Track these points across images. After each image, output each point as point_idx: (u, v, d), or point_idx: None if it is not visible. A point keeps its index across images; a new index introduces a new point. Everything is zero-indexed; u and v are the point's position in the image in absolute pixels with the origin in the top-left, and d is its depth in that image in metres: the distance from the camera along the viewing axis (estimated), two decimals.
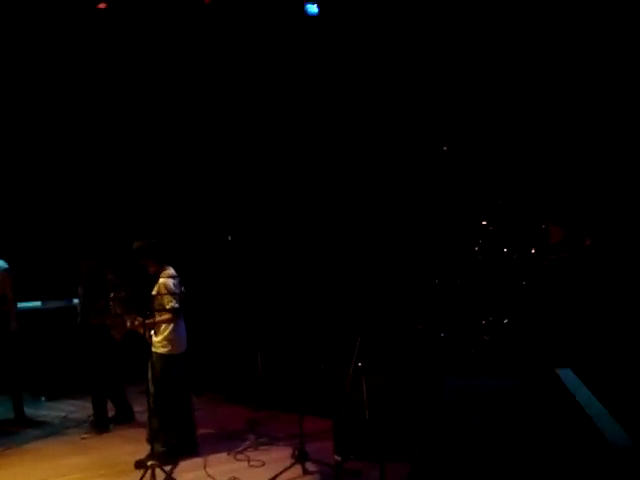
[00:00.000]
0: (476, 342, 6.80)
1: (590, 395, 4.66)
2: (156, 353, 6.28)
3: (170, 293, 6.21)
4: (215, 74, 9.40)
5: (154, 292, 6.29)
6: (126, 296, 6.56)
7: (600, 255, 6.36)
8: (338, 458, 6.02)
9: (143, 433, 6.47)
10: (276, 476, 5.79)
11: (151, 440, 6.05)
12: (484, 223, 7.67)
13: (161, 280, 6.30)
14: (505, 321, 7.08)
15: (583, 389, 4.70)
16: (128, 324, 6.32)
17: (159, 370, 6.27)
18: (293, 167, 9.07)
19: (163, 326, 6.28)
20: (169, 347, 6.31)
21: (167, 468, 5.85)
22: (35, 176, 9.50)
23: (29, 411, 7.97)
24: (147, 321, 6.09)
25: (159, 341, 6.29)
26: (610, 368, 5.51)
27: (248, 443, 6.82)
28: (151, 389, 6.20)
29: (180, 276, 6.45)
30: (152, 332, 6.18)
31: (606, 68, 7.00)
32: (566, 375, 4.53)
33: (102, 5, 8.35)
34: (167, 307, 6.18)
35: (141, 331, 6.25)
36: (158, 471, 5.57)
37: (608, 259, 6.36)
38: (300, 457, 6.01)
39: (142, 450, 6.22)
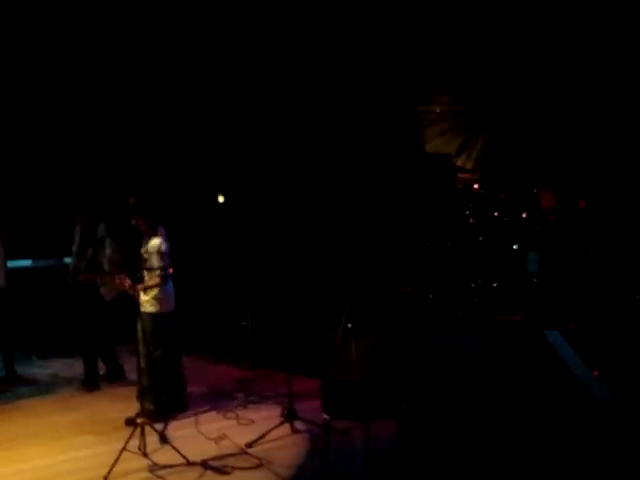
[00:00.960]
0: (465, 304, 6.85)
1: (576, 357, 4.72)
2: (145, 312, 6.29)
3: (160, 252, 6.20)
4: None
5: (144, 250, 6.28)
6: (119, 257, 6.57)
7: (593, 217, 6.39)
8: (326, 417, 6.07)
9: (133, 391, 6.49)
10: (265, 434, 5.86)
11: (141, 398, 6.09)
12: (475, 187, 7.67)
13: (152, 240, 6.29)
14: (494, 284, 7.13)
15: (569, 350, 4.75)
16: (117, 282, 6.31)
17: (148, 329, 6.29)
18: (289, 134, 9.04)
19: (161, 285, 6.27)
20: (158, 306, 6.32)
21: (157, 426, 5.90)
22: (27, 133, 9.40)
23: (20, 369, 7.99)
24: (139, 285, 6.09)
25: (147, 300, 6.29)
26: (597, 331, 5.58)
27: (237, 402, 6.88)
28: (141, 348, 6.22)
29: (171, 236, 6.43)
30: (141, 293, 6.18)
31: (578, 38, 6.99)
32: (553, 337, 4.58)
33: None
34: (155, 266, 6.16)
35: (130, 292, 6.25)
36: (148, 428, 5.61)
37: (601, 221, 6.39)
38: (289, 416, 6.07)
39: (132, 408, 6.23)
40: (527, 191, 7.51)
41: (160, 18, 9.14)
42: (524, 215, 7.44)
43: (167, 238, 6.37)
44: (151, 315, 6.30)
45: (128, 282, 6.22)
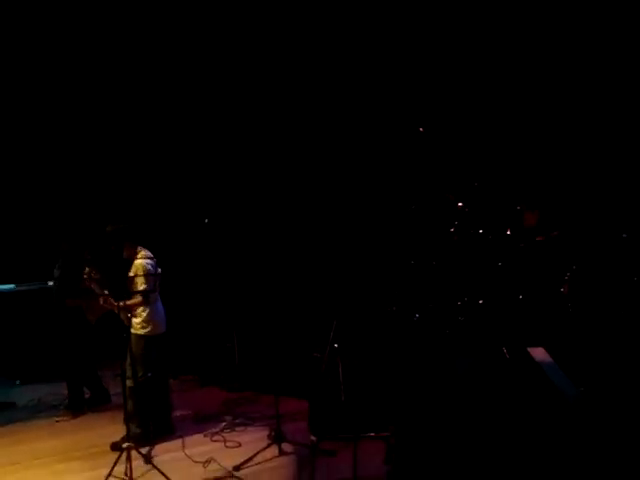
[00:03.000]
0: (451, 323, 6.84)
1: (562, 374, 4.73)
2: (135, 334, 6.25)
3: (146, 274, 6.17)
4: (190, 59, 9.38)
5: (131, 273, 6.25)
6: (100, 275, 6.52)
7: (568, 243, 6.43)
8: (313, 438, 6.04)
9: (119, 415, 6.44)
10: (252, 457, 5.81)
11: (127, 421, 6.03)
12: (460, 204, 7.69)
13: (137, 261, 6.26)
14: (480, 302, 7.13)
15: (555, 368, 4.76)
16: (101, 302, 6.28)
17: (137, 351, 6.24)
18: (269, 152, 9.06)
19: (141, 308, 6.25)
20: (148, 328, 6.29)
21: (143, 450, 5.84)
22: (10, 159, 9.38)
23: (3, 395, 7.91)
24: (120, 303, 6.06)
25: (138, 322, 6.26)
26: (582, 348, 5.59)
27: (224, 424, 6.82)
28: (128, 371, 6.18)
29: (157, 258, 6.41)
30: (129, 315, 6.15)
31: (578, 55, 7.06)
32: (538, 354, 4.59)
33: None
34: (139, 289, 6.14)
35: (115, 310, 6.21)
36: (134, 453, 5.56)
37: (577, 246, 6.43)
38: (276, 438, 6.03)
39: (118, 432, 6.19)
40: (511, 208, 7.55)
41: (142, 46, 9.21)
42: (508, 232, 7.47)
43: (153, 259, 6.35)
44: (141, 337, 6.27)
45: (112, 302, 6.19)
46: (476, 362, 5.03)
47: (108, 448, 6.13)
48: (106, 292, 6.26)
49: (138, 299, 6.19)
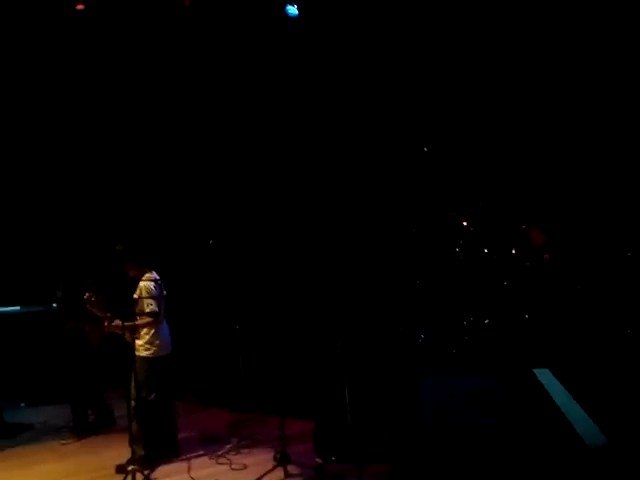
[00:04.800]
0: (457, 342, 6.81)
1: (567, 395, 4.69)
2: (139, 356, 6.25)
3: (151, 296, 6.17)
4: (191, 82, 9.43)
5: (136, 295, 6.25)
6: (101, 298, 6.53)
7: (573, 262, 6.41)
8: (319, 461, 6.01)
9: (124, 437, 6.39)
10: (258, 479, 5.78)
11: (132, 443, 6.01)
12: (465, 224, 7.69)
13: (142, 283, 6.27)
14: (486, 321, 7.10)
15: (560, 389, 4.73)
16: (105, 324, 6.28)
17: (143, 373, 6.23)
18: (272, 171, 9.08)
19: (145, 329, 6.25)
20: (152, 350, 6.28)
21: (148, 472, 5.81)
22: (13, 180, 9.41)
23: (8, 417, 7.88)
24: (126, 323, 6.06)
25: (142, 344, 6.25)
26: (587, 369, 5.56)
27: (230, 446, 6.79)
28: (133, 393, 6.17)
29: (162, 279, 6.42)
30: (135, 335, 6.15)
31: (587, 75, 7.07)
32: (543, 375, 4.56)
33: (80, 6, 8.31)
34: (146, 310, 6.15)
35: (120, 332, 6.21)
36: (139, 475, 5.53)
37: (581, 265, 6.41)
38: (282, 460, 5.99)
39: (123, 455, 6.16)
40: (516, 227, 7.54)
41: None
42: (514, 251, 7.45)
43: (159, 281, 6.35)
44: (145, 359, 6.25)
45: (117, 322, 6.19)
46: (481, 384, 5.00)
47: (113, 471, 6.10)
48: (109, 314, 6.27)
49: (144, 320, 6.19)
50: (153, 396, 6.26)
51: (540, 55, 7.33)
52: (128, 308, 6.29)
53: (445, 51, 7.93)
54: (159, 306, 6.24)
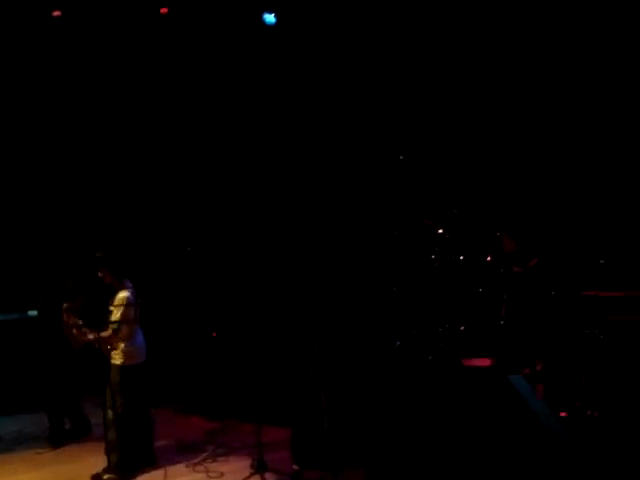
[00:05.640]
0: (432, 349, 6.86)
1: (541, 402, 4.76)
2: (115, 365, 6.23)
3: (127, 304, 6.15)
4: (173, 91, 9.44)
5: (113, 304, 6.23)
6: (80, 303, 6.52)
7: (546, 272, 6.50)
8: (296, 467, 6.03)
9: (100, 446, 6.37)
10: None
11: (108, 452, 5.99)
12: (440, 231, 7.75)
13: (120, 293, 6.24)
14: (462, 328, 7.17)
15: (534, 396, 4.79)
16: (75, 333, 6.27)
17: (118, 382, 6.22)
18: (246, 178, 9.11)
19: (120, 338, 6.22)
20: (127, 358, 6.26)
21: None
22: None
23: None
24: (101, 334, 6.06)
25: (116, 352, 6.24)
26: (564, 371, 5.64)
27: (206, 454, 6.79)
28: (109, 401, 6.15)
29: (137, 287, 6.40)
30: (107, 346, 6.14)
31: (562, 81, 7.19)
32: (518, 382, 4.62)
33: (57, 13, 8.29)
34: (117, 319, 6.12)
35: (96, 344, 6.20)
36: None
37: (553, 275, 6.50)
38: (259, 467, 6.02)
39: (99, 464, 6.15)
40: (490, 234, 7.62)
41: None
42: (489, 259, 7.52)
43: (135, 290, 6.34)
44: (120, 367, 6.23)
45: (88, 333, 6.18)
46: (455, 391, 5.05)
47: None
48: (80, 322, 6.25)
49: (108, 332, 6.16)
50: (127, 404, 6.22)
51: (502, 62, 7.46)
52: (104, 315, 6.27)
53: (417, 60, 8.03)
54: (134, 314, 6.22)
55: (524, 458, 4.46)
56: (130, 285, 6.35)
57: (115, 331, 6.11)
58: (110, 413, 6.13)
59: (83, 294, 6.92)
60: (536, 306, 6.35)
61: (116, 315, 6.14)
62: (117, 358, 6.23)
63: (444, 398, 5.15)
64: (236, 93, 9.13)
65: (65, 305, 6.43)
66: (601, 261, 6.39)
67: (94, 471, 6.13)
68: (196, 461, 6.58)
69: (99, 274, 6.33)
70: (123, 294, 6.22)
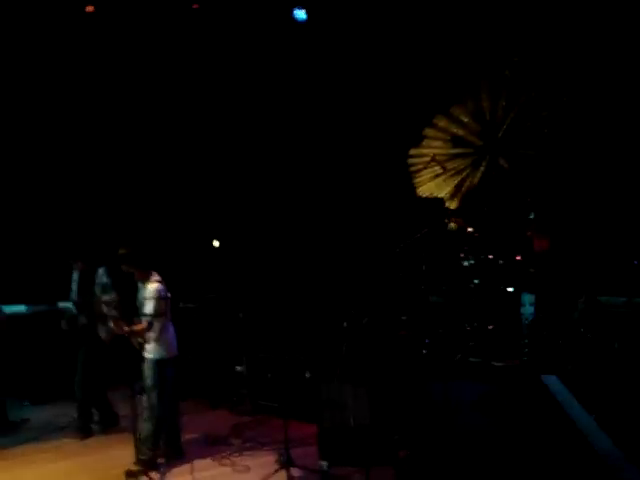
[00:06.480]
0: (461, 348, 6.83)
1: (575, 402, 4.70)
2: (147, 358, 6.26)
3: (158, 298, 6.17)
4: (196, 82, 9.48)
5: (144, 297, 6.26)
6: (115, 299, 6.58)
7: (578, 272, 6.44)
8: (323, 463, 6.02)
9: (127, 438, 6.40)
10: None
11: (138, 445, 6.01)
12: (470, 230, 7.71)
13: (149, 285, 6.27)
14: (490, 327, 7.13)
15: (568, 396, 4.73)
16: (112, 325, 6.32)
17: (149, 375, 6.24)
18: (276, 175, 9.14)
19: (152, 331, 6.24)
20: (160, 352, 6.28)
21: (152, 474, 5.83)
22: (21, 178, 9.42)
23: (12, 416, 7.89)
24: (134, 327, 6.08)
25: (149, 346, 6.25)
26: (595, 375, 5.57)
27: (233, 448, 6.80)
28: (142, 394, 6.18)
29: (166, 281, 6.42)
30: (139, 339, 6.16)
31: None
32: (551, 382, 4.57)
33: (90, 8, 8.35)
34: (150, 312, 6.15)
35: (126, 334, 6.23)
36: (145, 477, 5.54)
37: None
38: (285, 462, 6.01)
39: (126, 455, 6.18)
40: (520, 234, 7.56)
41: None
42: (518, 257, 7.47)
43: (163, 283, 6.36)
44: (153, 361, 6.26)
45: (124, 326, 6.21)
46: (487, 390, 5.01)
47: (117, 471, 6.10)
48: (117, 314, 6.30)
49: (143, 325, 6.18)
50: (159, 398, 6.24)
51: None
52: (134, 311, 6.31)
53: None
54: (165, 308, 6.24)
55: (554, 458, 4.42)
56: (159, 278, 6.36)
57: (150, 324, 6.13)
58: (144, 406, 6.17)
59: (117, 287, 6.97)
60: (567, 306, 6.29)
61: (148, 308, 6.16)
62: (150, 352, 6.26)
63: (473, 397, 5.12)
64: (264, 91, 9.17)
65: (105, 297, 6.48)
66: (635, 262, 6.31)
67: (121, 462, 6.16)
68: (223, 455, 6.60)
69: (124, 269, 6.36)
70: (153, 286, 6.23)
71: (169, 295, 6.34)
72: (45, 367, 8.74)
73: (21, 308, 8.68)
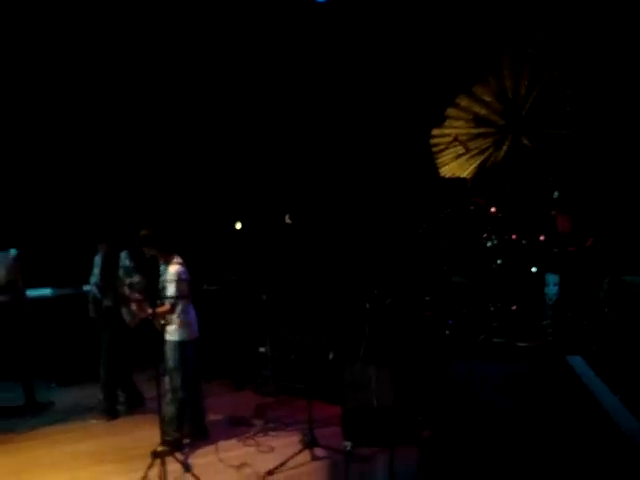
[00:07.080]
0: (485, 328, 6.80)
1: (600, 382, 4.66)
2: (169, 340, 6.30)
3: (179, 280, 6.20)
4: (217, 68, 9.48)
5: (165, 279, 6.29)
6: (140, 282, 6.62)
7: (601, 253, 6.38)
8: (347, 444, 6.04)
9: (153, 419, 6.42)
10: (285, 461, 5.83)
11: (163, 426, 6.06)
12: (493, 210, 7.65)
13: (171, 268, 6.30)
14: (513, 308, 7.09)
15: (593, 376, 4.70)
16: (135, 308, 6.37)
17: (172, 357, 6.29)
18: (299, 157, 9.13)
19: (174, 314, 6.28)
20: (182, 334, 6.32)
21: (178, 454, 5.89)
22: (47, 164, 9.50)
23: (40, 397, 8.00)
24: (158, 310, 6.11)
25: (172, 328, 6.30)
26: (620, 355, 5.52)
27: (257, 428, 6.85)
28: (165, 376, 6.23)
29: (189, 264, 6.45)
30: (161, 321, 6.20)
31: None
32: (576, 362, 4.54)
33: None
34: (172, 294, 6.18)
35: (149, 317, 6.27)
36: (171, 458, 5.59)
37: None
38: (309, 443, 6.04)
39: (152, 436, 6.20)
40: (544, 213, 7.49)
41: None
42: (542, 238, 7.41)
43: (185, 266, 6.38)
44: (175, 343, 6.30)
45: (147, 308, 6.25)
46: (510, 370, 4.98)
47: (143, 451, 6.13)
48: (140, 297, 6.34)
49: (166, 307, 6.22)
50: (183, 379, 6.28)
51: None
52: (157, 293, 6.34)
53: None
54: (187, 290, 6.27)
55: (579, 438, 4.40)
56: (180, 260, 6.38)
57: (173, 306, 6.17)
58: (168, 388, 6.22)
59: (140, 270, 7.00)
60: (592, 286, 6.24)
61: (170, 290, 6.19)
62: (172, 334, 6.30)
63: (496, 377, 5.10)
64: (286, 73, 9.15)
65: (128, 281, 6.53)
66: None
67: (147, 443, 6.18)
68: (247, 435, 6.65)
69: (145, 251, 6.38)
70: (174, 268, 6.26)
71: (189, 278, 6.36)
72: (71, 349, 8.84)
73: (46, 291, 8.80)
